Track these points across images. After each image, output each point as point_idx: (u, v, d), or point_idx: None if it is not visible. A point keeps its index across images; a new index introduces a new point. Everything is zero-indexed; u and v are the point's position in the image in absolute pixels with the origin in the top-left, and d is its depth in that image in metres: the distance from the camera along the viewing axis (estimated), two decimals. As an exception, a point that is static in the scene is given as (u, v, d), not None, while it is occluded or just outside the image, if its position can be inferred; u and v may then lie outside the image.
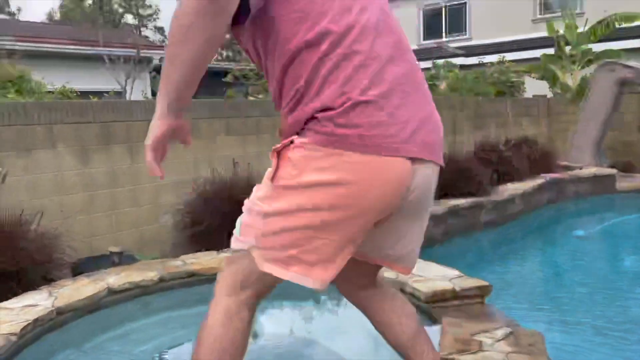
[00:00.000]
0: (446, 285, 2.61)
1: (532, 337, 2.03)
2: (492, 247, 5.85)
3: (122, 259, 3.61)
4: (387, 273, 2.91)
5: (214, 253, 3.56)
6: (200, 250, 4.07)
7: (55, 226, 3.59)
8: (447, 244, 5.53)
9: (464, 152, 6.93)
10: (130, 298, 2.96)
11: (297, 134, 1.27)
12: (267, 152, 5.54)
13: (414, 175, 1.27)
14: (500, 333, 2.08)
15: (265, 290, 1.40)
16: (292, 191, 1.25)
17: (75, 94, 5.47)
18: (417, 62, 1.38)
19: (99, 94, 6.22)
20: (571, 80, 11.77)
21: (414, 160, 1.26)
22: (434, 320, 2.49)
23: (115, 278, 3.04)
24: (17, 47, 7.55)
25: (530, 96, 11.43)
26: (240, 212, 1.46)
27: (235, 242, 1.42)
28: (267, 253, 1.30)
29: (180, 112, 1.33)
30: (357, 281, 1.58)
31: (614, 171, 7.99)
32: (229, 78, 9.07)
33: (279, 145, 1.31)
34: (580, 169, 8.20)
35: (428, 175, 1.33)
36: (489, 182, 6.30)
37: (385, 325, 1.59)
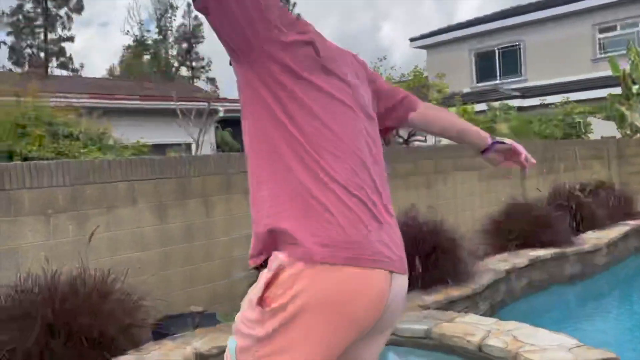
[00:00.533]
0: (567, 357, 2.35)
1: None
2: (578, 303, 5.45)
3: (203, 319, 3.51)
4: (493, 341, 2.68)
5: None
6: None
7: (136, 284, 3.54)
8: (530, 298, 5.19)
9: (536, 198, 6.60)
10: (219, 364, 2.83)
11: (275, 249, 1.27)
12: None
13: (391, 287, 1.26)
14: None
15: None
16: (281, 312, 1.22)
17: (147, 148, 5.57)
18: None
19: (169, 146, 6.33)
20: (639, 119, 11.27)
21: (391, 272, 1.26)
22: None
23: (201, 342, 2.93)
24: (92, 104, 7.86)
25: (599, 138, 10.97)
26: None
27: None
28: None
29: None
30: None
31: (703, 217, 7.43)
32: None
33: (269, 275, 1.25)
34: (660, 214, 7.67)
35: (403, 287, 1.33)
36: (569, 230, 5.94)
37: None
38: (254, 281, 1.34)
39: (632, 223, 6.92)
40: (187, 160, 4.41)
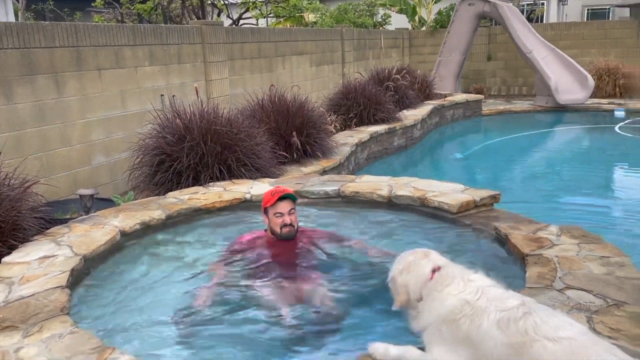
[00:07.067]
0: (467, 197, 2.88)
1: (577, 230, 2.41)
2: (402, 169, 6.36)
3: (94, 203, 3.23)
4: (400, 192, 3.10)
5: (200, 188, 3.38)
6: (149, 189, 3.84)
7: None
8: (370, 166, 5.90)
9: (360, 81, 7.18)
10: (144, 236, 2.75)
11: None
12: (190, 83, 5.31)
13: None
14: (554, 230, 2.42)
15: None
16: None
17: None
18: None
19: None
20: (426, 13, 12.70)
21: None
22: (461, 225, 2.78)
23: (118, 221, 2.78)
24: None
25: (394, 29, 12.11)
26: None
27: None
28: None
29: None
30: None
31: (481, 97, 9.03)
32: (98, 3, 8.10)
33: None
34: (445, 97, 9.08)
35: None
36: (394, 109, 6.72)
37: None
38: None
39: (432, 103, 8.09)
40: (31, 27, 3.71)
